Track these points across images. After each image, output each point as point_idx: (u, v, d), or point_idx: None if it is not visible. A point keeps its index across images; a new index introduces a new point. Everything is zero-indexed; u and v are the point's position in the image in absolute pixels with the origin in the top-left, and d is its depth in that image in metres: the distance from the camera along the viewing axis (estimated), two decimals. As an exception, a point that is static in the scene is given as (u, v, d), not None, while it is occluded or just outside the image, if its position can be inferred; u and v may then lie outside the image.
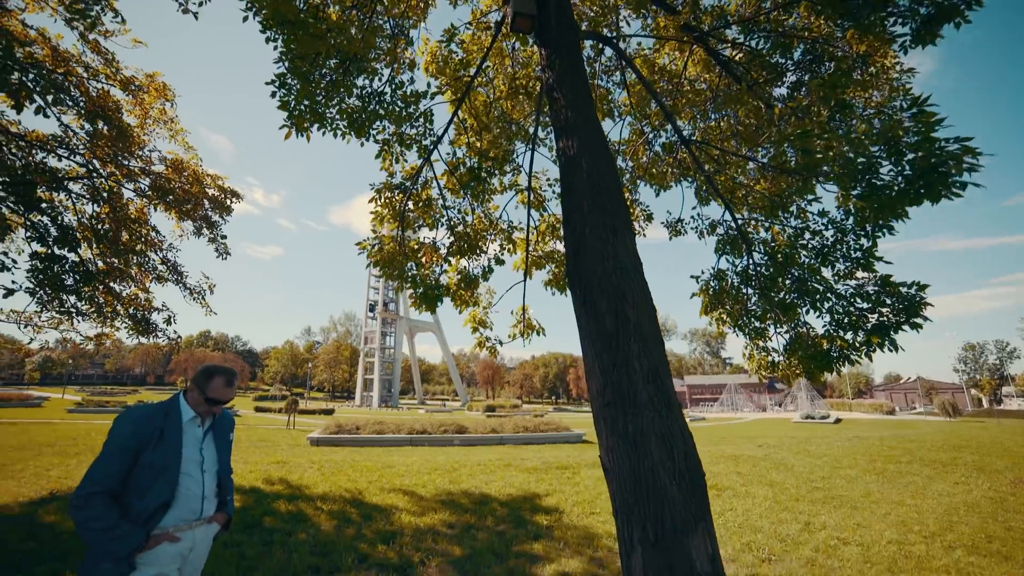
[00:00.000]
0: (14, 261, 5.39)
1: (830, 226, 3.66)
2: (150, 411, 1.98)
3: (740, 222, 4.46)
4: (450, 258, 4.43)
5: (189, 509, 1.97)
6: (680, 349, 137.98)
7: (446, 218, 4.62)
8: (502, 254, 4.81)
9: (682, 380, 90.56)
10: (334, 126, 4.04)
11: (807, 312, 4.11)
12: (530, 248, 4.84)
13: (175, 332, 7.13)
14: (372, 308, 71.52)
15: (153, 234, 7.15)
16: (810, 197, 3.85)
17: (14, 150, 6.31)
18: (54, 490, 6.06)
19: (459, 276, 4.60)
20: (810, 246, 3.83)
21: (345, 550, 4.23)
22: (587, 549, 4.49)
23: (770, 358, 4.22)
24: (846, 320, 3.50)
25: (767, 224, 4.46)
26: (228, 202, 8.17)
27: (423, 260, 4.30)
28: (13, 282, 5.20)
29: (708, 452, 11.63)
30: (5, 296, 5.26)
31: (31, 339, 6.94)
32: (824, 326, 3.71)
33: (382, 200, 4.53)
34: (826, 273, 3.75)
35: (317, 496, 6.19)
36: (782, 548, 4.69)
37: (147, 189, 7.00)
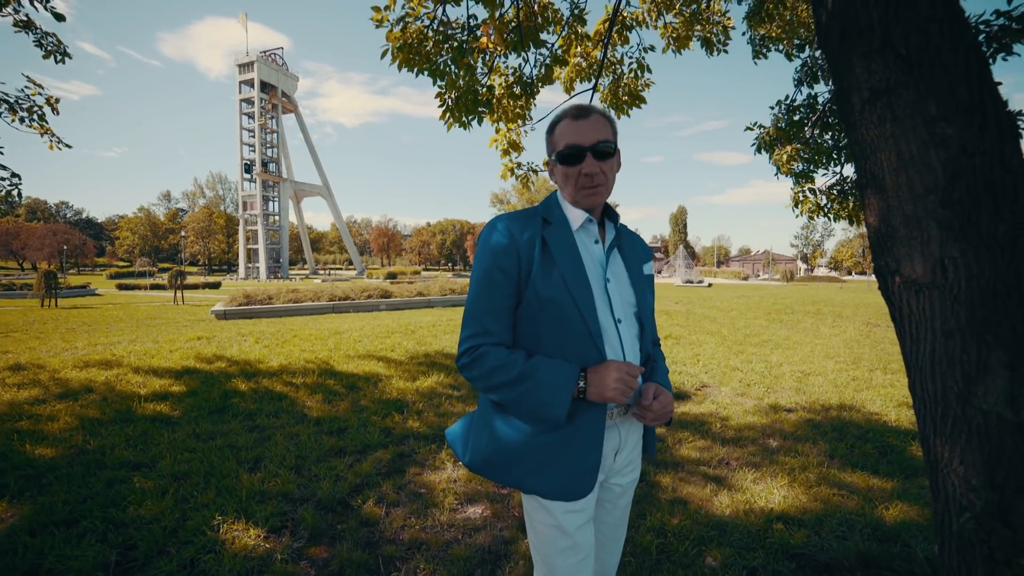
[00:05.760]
0: None
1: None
2: (520, 214, 1.16)
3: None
4: (505, 52, 3.15)
5: None
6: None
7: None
8: (561, 51, 3.60)
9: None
10: None
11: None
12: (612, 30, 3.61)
13: (4, 166, 4.74)
14: (249, 169, 61.43)
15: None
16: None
17: None
18: None
19: (511, 77, 3.41)
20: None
21: (358, 426, 3.61)
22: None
23: (819, 200, 4.04)
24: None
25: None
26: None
27: (484, 42, 3.00)
28: None
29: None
30: None
31: None
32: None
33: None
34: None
35: (276, 371, 5.29)
36: (770, 381, 5.18)
37: None
